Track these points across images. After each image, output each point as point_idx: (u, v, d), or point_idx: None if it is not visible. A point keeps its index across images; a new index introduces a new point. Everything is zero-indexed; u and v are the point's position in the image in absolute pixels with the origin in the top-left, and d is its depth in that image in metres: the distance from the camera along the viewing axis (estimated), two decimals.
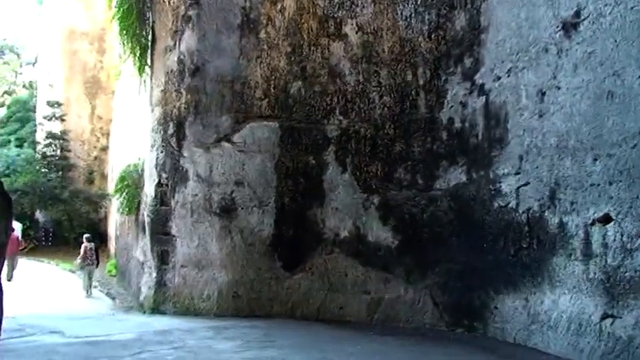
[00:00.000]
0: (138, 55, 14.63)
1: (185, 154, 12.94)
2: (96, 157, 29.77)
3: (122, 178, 16.78)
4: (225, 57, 12.88)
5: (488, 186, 10.12)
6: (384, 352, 9.09)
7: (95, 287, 18.05)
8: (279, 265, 12.45)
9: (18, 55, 40.31)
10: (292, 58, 12.71)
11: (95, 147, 29.90)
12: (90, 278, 18.32)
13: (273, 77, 12.73)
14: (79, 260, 19.05)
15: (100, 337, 9.54)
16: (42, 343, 9.08)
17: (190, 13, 13.03)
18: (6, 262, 14.60)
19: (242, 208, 12.60)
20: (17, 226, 26.79)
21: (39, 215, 28.44)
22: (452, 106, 11.17)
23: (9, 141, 33.01)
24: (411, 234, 11.63)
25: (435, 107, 11.50)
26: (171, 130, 13.14)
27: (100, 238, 26.32)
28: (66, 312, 13.33)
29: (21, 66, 39.14)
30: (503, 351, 9.05)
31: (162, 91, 13.50)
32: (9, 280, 20.46)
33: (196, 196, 12.79)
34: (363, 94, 12.28)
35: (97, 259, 19.13)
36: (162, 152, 13.34)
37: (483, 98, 10.37)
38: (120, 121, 21.59)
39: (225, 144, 12.76)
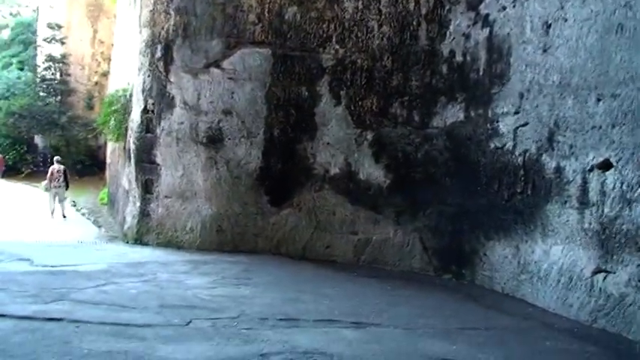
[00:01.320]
0: None
1: (172, 79, 12.28)
2: (96, 83, 28.95)
3: (110, 103, 16.16)
4: None
5: (485, 125, 9.47)
6: (363, 294, 8.62)
7: (83, 214, 17.71)
8: (266, 199, 11.93)
9: None
10: None
11: (96, 72, 29.11)
12: (61, 201, 18.17)
13: (267, 0, 11.92)
14: (45, 182, 18.77)
15: (67, 267, 9.10)
16: (5, 270, 8.65)
17: None
18: None
19: (229, 139, 12.01)
20: None
21: (38, 140, 27.98)
22: (454, 38, 10.41)
23: (11, 63, 32.33)
24: (404, 173, 11.05)
25: (437, 39, 10.75)
26: (158, 54, 12.44)
27: (99, 165, 25.94)
28: (45, 239, 12.89)
29: None
30: (489, 300, 8.55)
31: (150, 11, 12.73)
32: None
33: (182, 124, 12.19)
34: (362, 23, 11.49)
35: (67, 182, 18.66)
36: (149, 77, 12.67)
37: (487, 30, 9.61)
38: (119, 45, 20.83)
39: (215, 70, 12.08)
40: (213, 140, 12.02)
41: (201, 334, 5.83)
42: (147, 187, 12.54)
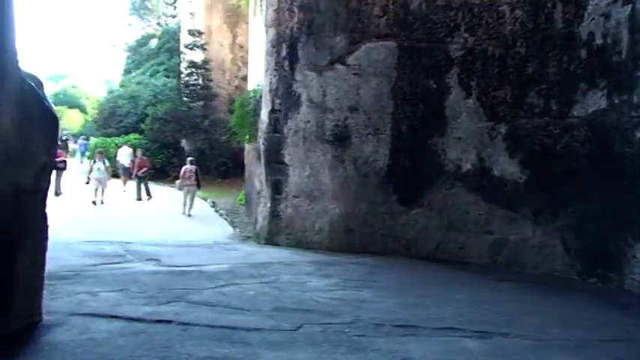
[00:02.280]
0: None
1: (298, 77, 12.12)
2: (237, 87, 29.68)
3: (242, 105, 16.34)
4: None
5: (630, 113, 8.46)
6: (494, 299, 7.93)
7: (221, 215, 18.11)
8: (395, 198, 11.44)
9: None
10: None
11: (236, 76, 29.88)
12: (191, 199, 19.60)
13: None
14: (178, 181, 20.80)
15: (192, 267, 9.10)
16: (130, 270, 8.77)
17: None
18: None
19: (356, 136, 11.65)
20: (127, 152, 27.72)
21: (184, 144, 29.09)
22: (593, 19, 9.43)
23: (158, 71, 33.96)
24: (542, 168, 10.16)
25: (574, 21, 9.79)
26: (283, 53, 12.35)
27: (242, 167, 26.50)
28: (181, 239, 13.20)
29: None
30: (638, 308, 7.60)
31: (275, 10, 12.67)
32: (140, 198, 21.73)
33: (309, 123, 12.00)
34: (492, 8, 10.71)
35: (198, 181, 20.32)
36: (275, 76, 12.61)
37: (629, 7, 8.60)
38: (253, 48, 21.19)
39: (340, 66, 11.76)
40: (340, 138, 11.72)
41: (308, 340, 5.49)
42: (276, 188, 12.47)
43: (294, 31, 12.16)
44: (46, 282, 5.95)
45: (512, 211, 10.46)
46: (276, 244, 12.16)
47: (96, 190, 20.42)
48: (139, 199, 22.57)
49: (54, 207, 16.23)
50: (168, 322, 5.90)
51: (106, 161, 21.82)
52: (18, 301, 5.11)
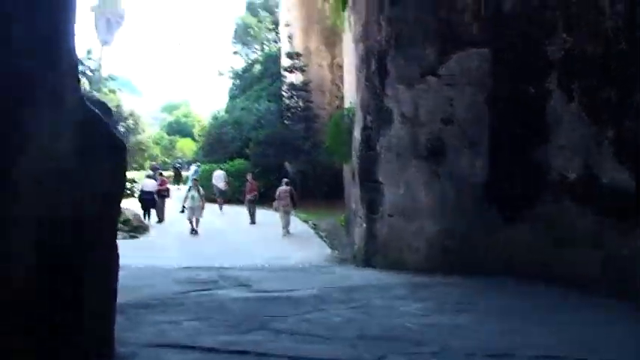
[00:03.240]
0: None
1: (388, 92, 11.73)
2: (337, 107, 29.51)
3: (336, 124, 16.07)
4: None
5: None
6: (602, 322, 7.17)
7: (320, 237, 17.89)
8: (495, 214, 10.77)
9: (271, 13, 41.84)
10: None
11: (336, 96, 29.71)
12: (287, 219, 20.06)
13: None
14: (275, 202, 20.76)
15: (281, 293, 8.84)
16: (219, 297, 8.61)
17: None
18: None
19: (451, 150, 11.10)
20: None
21: (288, 167, 29.23)
22: None
23: (261, 96, 34.42)
24: None
25: None
26: (373, 67, 12.03)
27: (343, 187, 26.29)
28: (279, 262, 13.05)
29: (274, 24, 40.52)
30: None
31: (362, 24, 12.41)
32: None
33: (401, 139, 11.56)
34: (591, 4, 9.90)
35: (294, 201, 20.70)
36: (365, 92, 12.32)
37: None
38: (347, 66, 20.98)
39: (431, 78, 11.28)
40: (434, 153, 11.20)
41: None
42: (371, 207, 12.08)
43: (382, 45, 11.81)
44: (130, 311, 5.84)
45: (625, 223, 9.52)
46: (373, 266, 11.75)
47: (190, 220, 19.73)
48: (253, 222, 22.90)
49: (156, 234, 16.58)
50: (245, 352, 5.64)
51: (201, 189, 21.02)
52: (86, 334, 4.96)
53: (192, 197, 19.87)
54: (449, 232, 10.96)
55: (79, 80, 5.18)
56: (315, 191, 26.03)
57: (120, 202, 5.64)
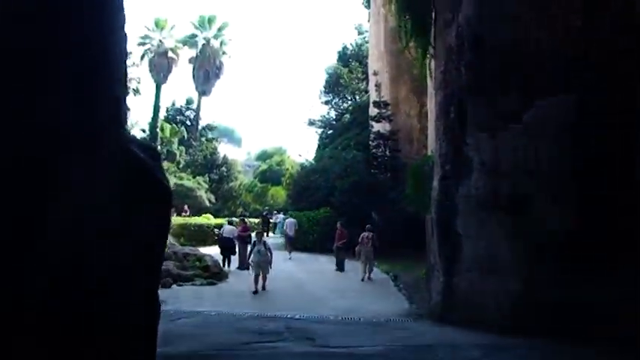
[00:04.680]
0: (418, 35, 13.33)
1: (468, 140, 11.26)
2: (424, 156, 29.07)
3: (415, 174, 15.61)
4: (509, 24, 10.82)
5: None
6: None
7: (400, 289, 17.27)
8: (584, 270, 9.92)
9: (361, 62, 41.98)
10: (590, 12, 10.12)
11: (424, 145, 29.22)
12: (370, 264, 20.13)
13: (567, 41, 10.29)
14: (357, 247, 20.66)
15: (345, 349, 8.44)
16: (279, 351, 8.30)
17: None
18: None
19: (534, 201, 10.40)
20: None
21: (374, 216, 28.79)
22: None
23: (349, 145, 34.33)
24: None
25: None
26: (452, 115, 11.61)
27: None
28: (353, 314, 12.61)
29: (364, 74, 40.60)
30: None
31: (442, 72, 12.04)
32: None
33: (481, 189, 11.00)
34: None
35: (375, 247, 20.46)
36: (444, 140, 11.89)
37: None
38: (430, 115, 20.62)
39: (513, 126, 10.70)
40: (516, 204, 10.54)
41: None
42: (449, 260, 11.52)
43: (462, 92, 11.40)
44: None
45: None
46: (449, 322, 11.09)
47: (256, 276, 17.28)
48: (341, 270, 22.70)
49: (235, 280, 16.46)
50: None
51: (267, 243, 18.87)
52: None
53: (259, 252, 17.67)
54: (531, 290, 10.20)
55: (121, 127, 5.07)
56: (401, 242, 25.39)
57: (162, 250, 5.45)
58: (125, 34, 5.53)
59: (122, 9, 5.33)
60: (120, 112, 5.06)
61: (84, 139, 4.39)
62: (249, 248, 19.40)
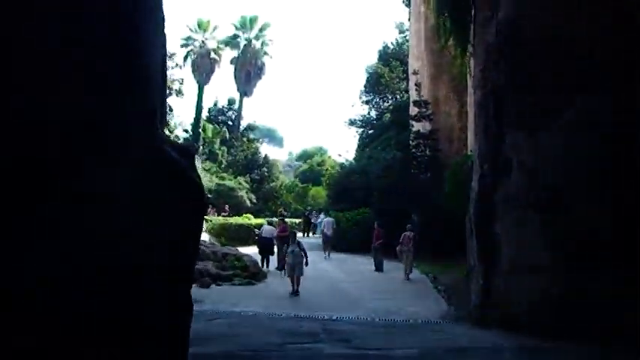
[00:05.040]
0: (457, 33, 13.16)
1: (507, 140, 11.08)
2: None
3: (454, 173, 15.41)
4: (548, 22, 10.60)
5: None
6: None
7: (439, 291, 17.06)
8: (624, 273, 9.65)
9: (402, 62, 41.63)
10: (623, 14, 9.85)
11: (465, 145, 28.84)
12: (410, 264, 20.38)
13: (604, 40, 10.03)
14: (398, 247, 20.92)
15: (381, 351, 8.38)
16: (313, 352, 8.31)
17: None
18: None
19: (574, 202, 10.17)
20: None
21: (414, 217, 28.56)
22: None
23: (389, 145, 34.09)
24: None
25: None
26: (491, 114, 11.41)
27: None
28: (392, 315, 12.52)
29: (405, 73, 40.27)
30: None
31: (481, 70, 11.85)
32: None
33: (520, 189, 10.78)
34: None
35: (416, 247, 20.75)
36: (483, 140, 11.68)
37: None
38: (470, 114, 20.32)
39: (552, 125, 10.47)
40: (556, 204, 10.31)
41: None
42: (488, 262, 11.33)
43: (501, 90, 11.19)
44: None
45: None
46: (488, 325, 10.88)
47: (290, 277, 17.12)
48: (377, 270, 22.73)
49: (273, 280, 16.42)
50: None
51: (302, 243, 18.26)
52: None
53: (292, 252, 17.41)
54: (570, 292, 9.96)
55: (154, 127, 5.06)
56: (441, 242, 25.13)
57: (195, 249, 5.44)
58: (163, 35, 5.55)
59: (159, 10, 5.35)
60: (152, 112, 5.06)
61: (112, 137, 4.39)
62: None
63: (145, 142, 4.84)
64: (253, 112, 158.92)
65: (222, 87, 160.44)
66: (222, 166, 53.89)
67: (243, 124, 64.40)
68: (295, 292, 16.56)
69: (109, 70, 4.42)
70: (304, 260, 17.33)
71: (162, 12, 5.62)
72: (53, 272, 3.92)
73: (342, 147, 62.91)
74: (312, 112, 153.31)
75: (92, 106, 4.25)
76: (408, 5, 36.33)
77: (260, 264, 21.46)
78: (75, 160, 4.06)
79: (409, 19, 37.16)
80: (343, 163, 41.76)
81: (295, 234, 20.06)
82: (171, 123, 46.30)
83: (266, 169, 55.68)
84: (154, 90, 5.12)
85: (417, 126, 30.81)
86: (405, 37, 44.11)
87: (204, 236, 28.48)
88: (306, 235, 40.36)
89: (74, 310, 4.06)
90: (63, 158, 3.97)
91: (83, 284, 4.13)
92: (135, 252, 4.55)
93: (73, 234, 4.03)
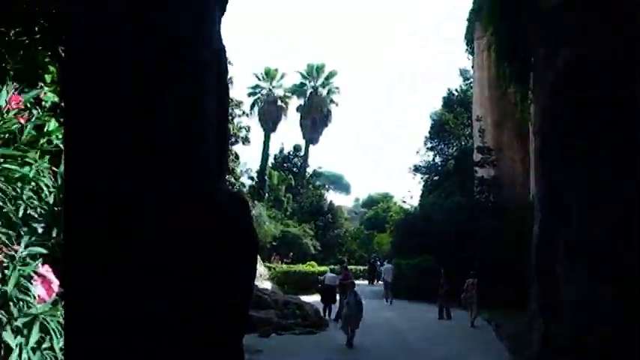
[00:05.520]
0: (517, 80, 13.21)
1: (567, 185, 10.89)
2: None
3: (516, 219, 15.25)
4: (608, 68, 10.51)
5: None
6: None
7: (501, 340, 16.69)
8: None
9: (466, 108, 41.54)
10: None
11: (528, 191, 28.40)
12: (475, 309, 20.57)
13: None
14: (462, 294, 21.44)
15: None
16: None
17: None
18: None
19: (636, 247, 9.91)
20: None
21: (477, 262, 28.16)
22: None
23: (453, 191, 33.95)
24: None
25: None
26: (551, 159, 11.29)
27: None
28: None
29: (468, 120, 40.16)
30: None
31: (541, 116, 11.81)
32: None
33: (580, 234, 10.58)
34: None
35: (479, 294, 20.92)
36: (543, 185, 11.58)
37: None
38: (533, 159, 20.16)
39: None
40: (617, 251, 10.07)
41: None
42: (547, 309, 11.10)
43: (561, 136, 11.09)
44: None
45: None
46: None
47: (344, 329, 16.52)
48: (442, 317, 22.77)
49: (335, 329, 16.25)
50: None
51: (359, 295, 17.61)
52: None
53: (348, 303, 16.84)
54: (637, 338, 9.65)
55: (207, 175, 5.22)
56: (504, 288, 24.66)
57: (246, 298, 5.54)
58: (226, 86, 5.81)
59: (221, 62, 5.60)
60: (208, 161, 5.22)
61: (170, 184, 4.62)
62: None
63: (201, 190, 5.00)
64: (319, 158, 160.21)
65: (288, 134, 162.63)
66: (288, 213, 54.28)
67: (309, 170, 64.82)
68: (349, 344, 16.03)
69: (172, 124, 4.70)
70: (360, 312, 16.76)
71: (225, 64, 5.88)
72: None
73: (407, 193, 62.87)
74: (378, 158, 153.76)
75: (155, 153, 4.53)
76: (472, 53, 36.50)
77: (322, 312, 21.42)
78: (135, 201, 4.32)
79: (472, 67, 37.27)
80: (408, 210, 41.65)
81: (354, 284, 19.60)
82: (237, 170, 47.06)
83: (330, 216, 55.79)
84: (209, 144, 5.24)
85: (480, 172, 30.65)
86: (469, 83, 44.13)
87: (267, 284, 28.68)
88: (371, 282, 40.23)
89: None
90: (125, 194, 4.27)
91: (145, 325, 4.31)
92: (184, 298, 4.67)
93: (128, 269, 4.26)
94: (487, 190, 29.79)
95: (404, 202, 47.88)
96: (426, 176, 45.55)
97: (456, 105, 44.79)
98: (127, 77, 4.37)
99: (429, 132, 46.53)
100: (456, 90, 47.10)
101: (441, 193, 35.77)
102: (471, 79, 40.51)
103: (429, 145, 46.52)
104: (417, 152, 47.02)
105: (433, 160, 46.52)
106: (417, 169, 47.02)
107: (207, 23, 5.17)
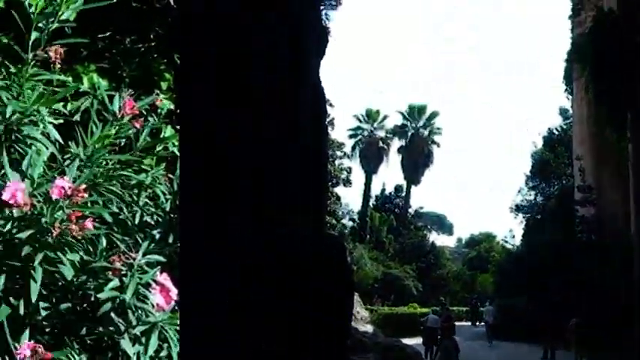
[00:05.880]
0: (614, 121, 13.65)
1: None
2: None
3: (619, 258, 15.36)
4: None
5: None
6: None
7: None
8: None
9: (566, 147, 40.97)
10: None
11: (630, 229, 27.84)
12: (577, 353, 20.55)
13: None
14: (567, 335, 21.15)
15: None
16: None
17: None
18: None
19: None
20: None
21: (584, 304, 27.76)
22: None
23: (555, 230, 33.49)
24: None
25: None
26: None
27: None
28: None
29: (569, 159, 39.60)
30: None
31: (638, 156, 12.21)
32: None
33: None
34: None
35: (584, 335, 20.59)
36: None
37: None
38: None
39: None
40: None
41: None
42: None
43: None
44: None
45: None
46: None
47: None
48: (545, 359, 22.82)
49: None
50: None
51: (455, 340, 17.02)
52: None
53: (445, 348, 16.36)
54: None
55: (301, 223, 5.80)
56: (611, 328, 24.19)
57: (342, 343, 5.95)
58: (324, 131, 6.26)
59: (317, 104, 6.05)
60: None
61: None
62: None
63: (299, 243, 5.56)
64: (421, 199, 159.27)
65: (389, 175, 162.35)
66: (389, 254, 54.40)
67: (411, 211, 64.47)
68: None
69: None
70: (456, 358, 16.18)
71: (325, 105, 6.27)
72: None
73: (509, 232, 61.44)
74: (480, 198, 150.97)
75: None
76: (571, 93, 36.28)
77: (424, 355, 21.27)
78: None
79: (571, 106, 37.01)
80: (510, 249, 41.24)
81: (453, 327, 19.45)
82: (339, 212, 47.73)
83: (432, 257, 55.50)
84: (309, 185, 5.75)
85: (581, 211, 30.36)
86: (569, 122, 43.56)
87: (368, 327, 28.81)
88: (473, 324, 39.89)
89: None
90: None
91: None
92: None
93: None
94: (589, 228, 29.47)
95: (506, 241, 47.31)
96: (528, 215, 44.99)
97: (556, 144, 44.21)
98: None
99: (530, 171, 46.06)
100: (556, 129, 46.47)
101: (544, 232, 35.33)
102: (571, 119, 40.05)
103: (531, 184, 46.04)
104: (519, 191, 46.52)
105: (535, 199, 45.95)
106: (518, 208, 46.49)
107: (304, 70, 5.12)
